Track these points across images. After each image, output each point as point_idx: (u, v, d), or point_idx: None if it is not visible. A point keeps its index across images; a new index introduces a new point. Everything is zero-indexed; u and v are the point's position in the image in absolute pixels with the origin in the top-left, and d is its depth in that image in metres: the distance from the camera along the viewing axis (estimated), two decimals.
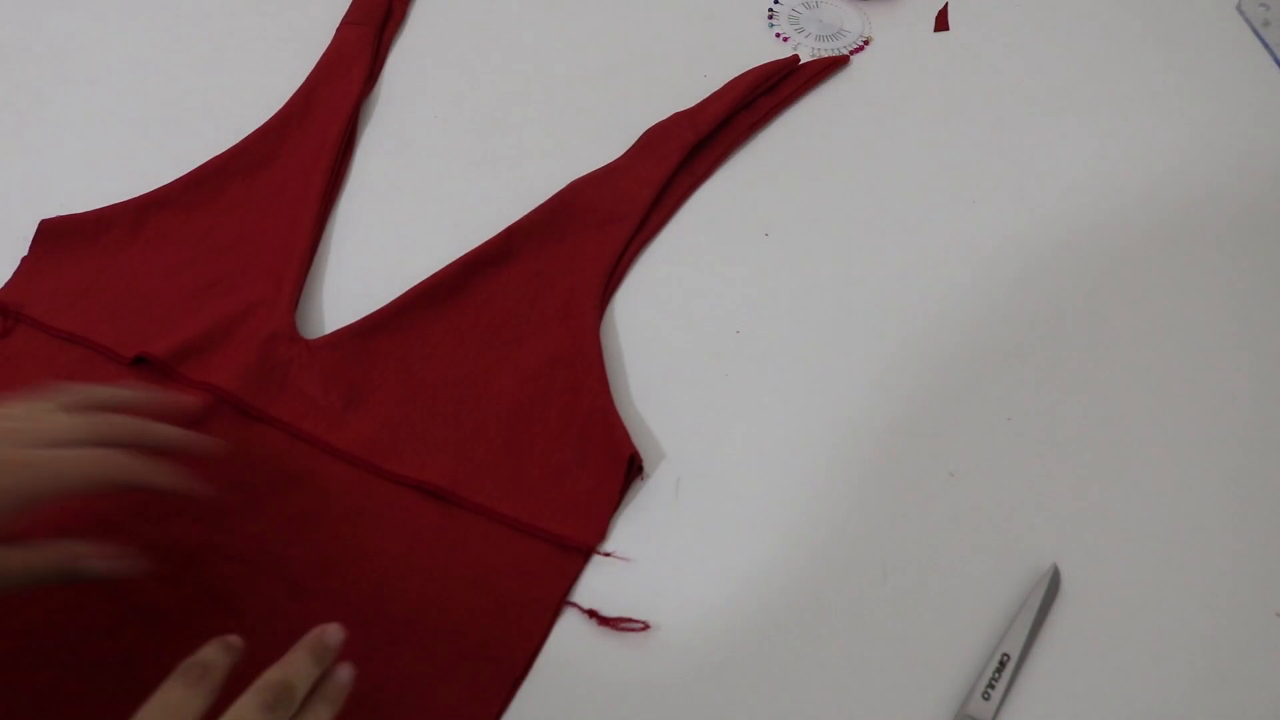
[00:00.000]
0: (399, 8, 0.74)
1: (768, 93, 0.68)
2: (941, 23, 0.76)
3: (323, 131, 0.64)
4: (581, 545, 0.48)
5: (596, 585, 0.47)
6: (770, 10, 0.77)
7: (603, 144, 0.65)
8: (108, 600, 0.45)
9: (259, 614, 0.45)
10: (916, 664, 0.46)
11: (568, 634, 0.46)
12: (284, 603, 0.46)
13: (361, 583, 0.46)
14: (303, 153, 0.63)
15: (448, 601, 0.46)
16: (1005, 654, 0.45)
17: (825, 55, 0.73)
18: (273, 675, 0.36)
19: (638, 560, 0.48)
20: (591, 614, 0.46)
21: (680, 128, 0.65)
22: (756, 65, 0.69)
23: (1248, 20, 0.76)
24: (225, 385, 0.51)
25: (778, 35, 0.75)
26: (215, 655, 0.36)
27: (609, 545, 0.48)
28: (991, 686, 0.44)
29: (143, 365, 0.52)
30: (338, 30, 0.71)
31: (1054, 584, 0.47)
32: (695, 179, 0.64)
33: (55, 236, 0.57)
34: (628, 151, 0.64)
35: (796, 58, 0.71)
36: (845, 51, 0.73)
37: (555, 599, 0.46)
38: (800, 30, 0.75)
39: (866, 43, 0.74)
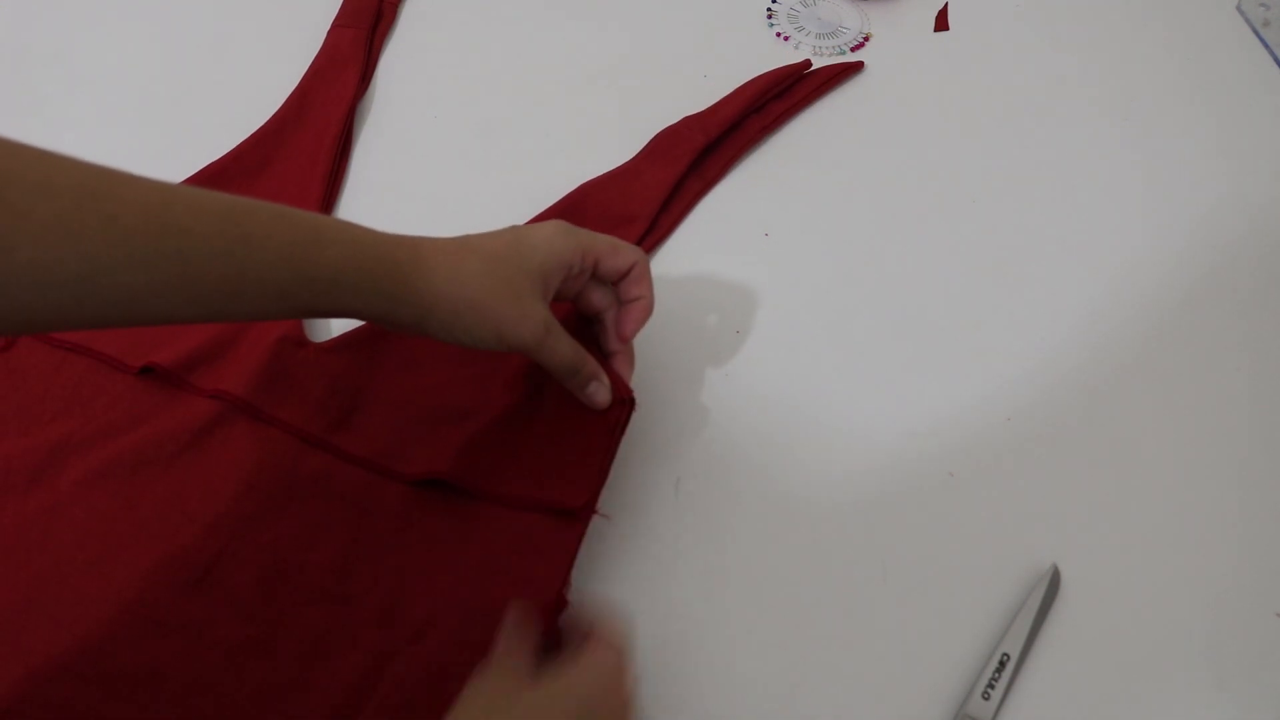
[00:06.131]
0: (389, 10, 0.74)
1: (778, 97, 0.68)
2: (941, 23, 0.76)
3: (319, 135, 0.64)
4: (568, 505, 0.47)
5: (596, 583, 0.47)
6: (769, 9, 0.77)
7: (603, 144, 0.65)
8: (126, 612, 0.45)
9: (278, 622, 0.45)
10: (916, 664, 0.46)
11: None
12: (303, 609, 0.45)
13: (379, 585, 0.46)
14: (300, 156, 0.63)
15: (464, 595, 0.46)
16: (1005, 654, 0.45)
17: (825, 53, 0.73)
18: None
19: (637, 559, 0.48)
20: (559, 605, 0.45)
21: (691, 131, 0.64)
22: (768, 70, 0.69)
23: (1248, 20, 0.76)
24: (235, 390, 0.51)
25: (777, 34, 0.75)
26: None
27: (609, 545, 0.48)
28: (991, 686, 0.44)
29: (149, 375, 0.52)
30: (329, 33, 0.71)
31: (1054, 584, 0.47)
32: (705, 183, 0.64)
33: None
34: (637, 155, 0.64)
35: (808, 62, 0.71)
36: (845, 49, 0.73)
37: (559, 568, 0.46)
38: (800, 29, 0.75)
39: (866, 39, 0.74)
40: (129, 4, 0.74)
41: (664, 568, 0.48)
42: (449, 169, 0.65)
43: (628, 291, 0.50)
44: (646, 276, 0.50)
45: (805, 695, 0.45)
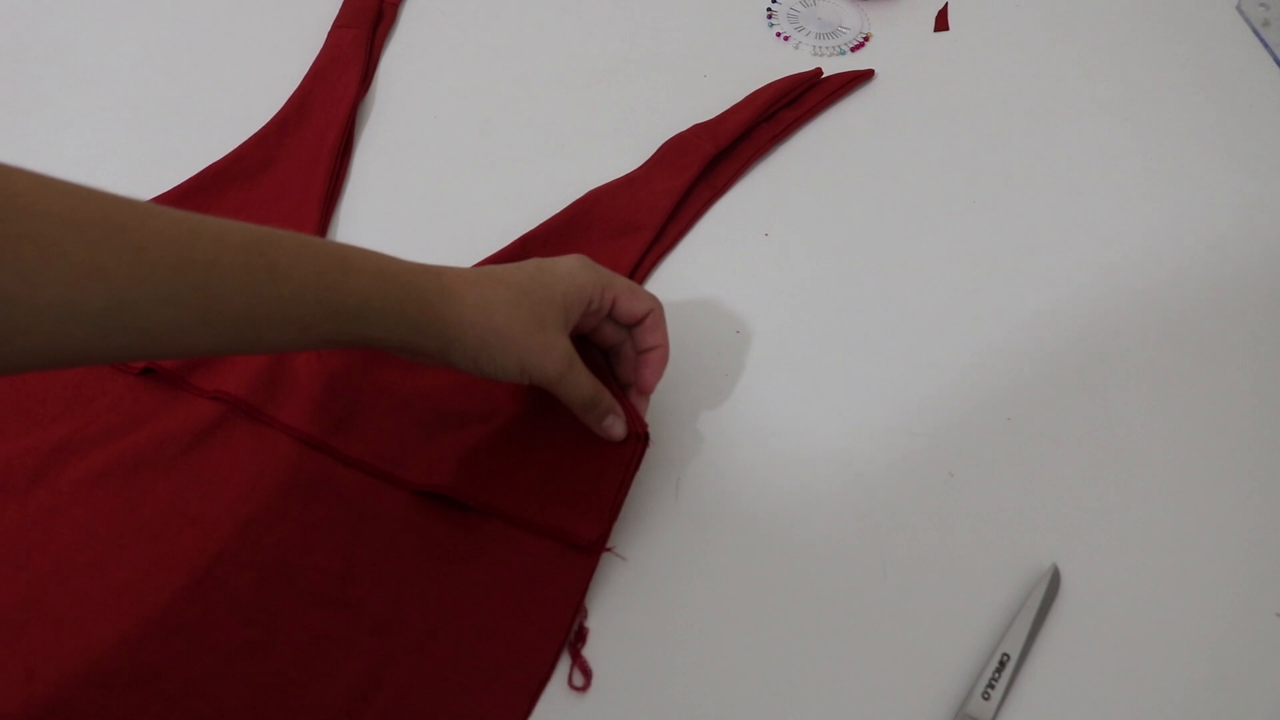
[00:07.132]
0: (389, 11, 0.74)
1: (789, 105, 0.68)
2: (941, 23, 0.76)
3: (320, 135, 0.64)
4: (582, 540, 0.47)
5: (594, 583, 0.47)
6: (769, 9, 0.77)
7: (602, 144, 0.65)
8: (126, 613, 0.45)
9: (278, 625, 0.45)
10: (916, 664, 0.46)
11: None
12: (304, 612, 0.45)
13: (380, 592, 0.46)
14: (301, 156, 0.63)
15: (467, 608, 0.46)
16: (1005, 654, 0.45)
17: (825, 53, 0.73)
18: None
19: (638, 560, 0.48)
20: (579, 638, 0.46)
21: (700, 140, 0.64)
22: (767, 69, 0.69)
23: (1248, 20, 0.76)
24: (236, 391, 0.51)
25: (777, 34, 0.75)
26: None
27: (610, 543, 0.48)
28: (991, 686, 0.44)
29: (150, 375, 0.52)
30: (329, 33, 0.71)
31: (1054, 584, 0.47)
32: (714, 191, 0.63)
33: None
34: (646, 162, 0.64)
35: (819, 71, 0.70)
36: (845, 49, 0.73)
37: (571, 599, 0.46)
38: (800, 29, 0.75)
39: (866, 39, 0.74)
40: (129, 3, 0.74)
41: (663, 568, 0.48)
42: (449, 169, 0.65)
43: (643, 340, 0.50)
44: (662, 325, 0.50)
45: (806, 695, 0.45)
